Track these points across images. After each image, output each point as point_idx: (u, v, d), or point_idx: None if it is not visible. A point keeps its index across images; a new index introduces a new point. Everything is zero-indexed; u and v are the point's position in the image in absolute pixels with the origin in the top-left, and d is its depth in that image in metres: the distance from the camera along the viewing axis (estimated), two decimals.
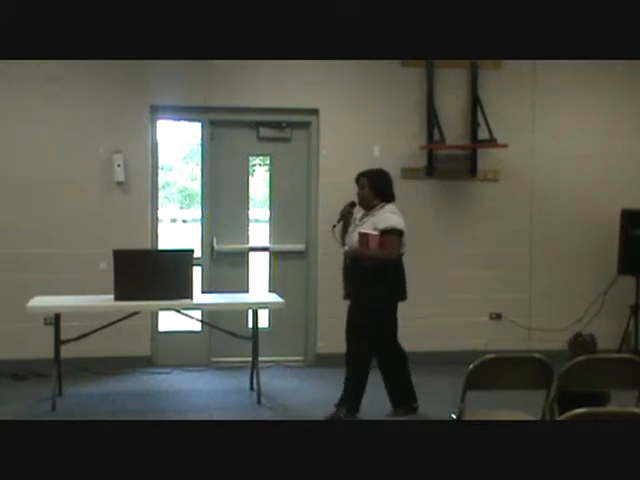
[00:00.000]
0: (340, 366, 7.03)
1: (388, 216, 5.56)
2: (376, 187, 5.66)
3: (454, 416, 4.11)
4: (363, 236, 5.51)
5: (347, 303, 7.22)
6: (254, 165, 7.58)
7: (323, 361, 7.20)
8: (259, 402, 6.01)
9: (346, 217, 5.73)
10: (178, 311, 6.10)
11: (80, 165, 6.92)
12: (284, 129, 7.35)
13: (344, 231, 5.73)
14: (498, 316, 7.53)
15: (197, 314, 6.84)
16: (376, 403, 5.82)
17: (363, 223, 5.59)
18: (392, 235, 5.49)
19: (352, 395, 5.59)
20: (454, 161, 7.43)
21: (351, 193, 7.24)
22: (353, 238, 5.58)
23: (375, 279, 5.49)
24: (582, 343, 4.33)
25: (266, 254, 7.48)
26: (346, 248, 5.65)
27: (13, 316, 6.58)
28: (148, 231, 7.10)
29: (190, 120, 7.51)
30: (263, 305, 6.37)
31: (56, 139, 6.88)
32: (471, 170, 7.44)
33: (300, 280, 7.41)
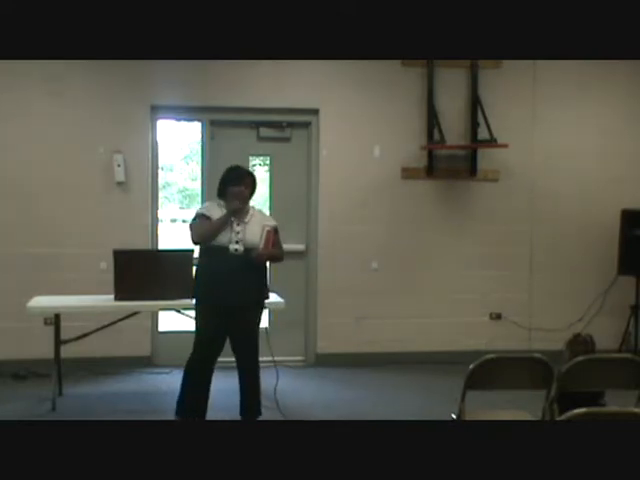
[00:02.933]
0: (340, 366, 7.06)
1: (268, 216, 5.51)
2: (254, 187, 5.39)
3: (454, 416, 4.12)
4: (269, 235, 5.18)
5: (351, 303, 7.28)
6: (254, 165, 7.57)
7: (323, 361, 7.21)
8: None
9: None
10: (178, 311, 6.10)
11: (80, 165, 6.92)
12: (284, 129, 7.35)
13: (219, 230, 5.14)
14: (498, 316, 7.53)
15: None
16: (379, 403, 5.83)
17: (251, 222, 5.22)
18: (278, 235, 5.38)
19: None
20: (454, 161, 7.44)
21: (351, 193, 7.28)
22: (249, 237, 5.15)
23: (264, 279, 5.39)
24: (582, 343, 4.33)
25: None
26: (239, 248, 5.12)
27: (13, 316, 6.59)
28: (148, 231, 7.10)
29: (190, 120, 7.52)
30: None
31: (56, 139, 6.88)
32: (471, 170, 7.44)
33: (300, 280, 7.41)
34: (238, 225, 5.17)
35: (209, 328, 5.21)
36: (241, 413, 5.37)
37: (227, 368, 7.05)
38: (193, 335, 7.13)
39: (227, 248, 5.11)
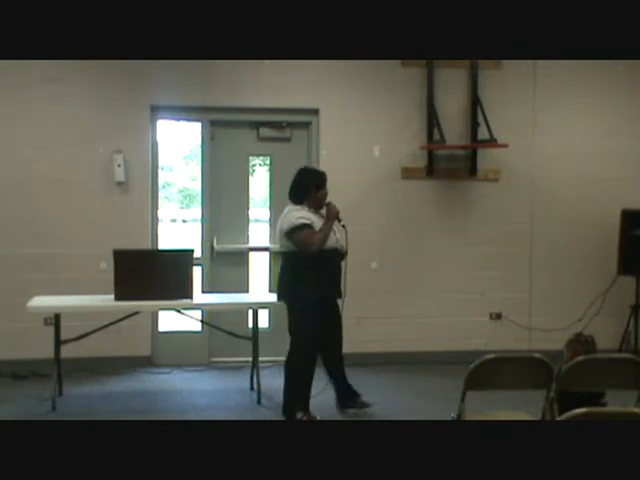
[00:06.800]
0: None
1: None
2: None
3: (454, 416, 4.11)
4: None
5: (351, 303, 7.24)
6: (254, 165, 7.58)
7: None
8: (259, 402, 6.02)
9: None
10: (178, 311, 6.11)
11: (80, 165, 6.92)
12: (284, 129, 7.35)
13: (329, 235, 5.51)
14: (498, 316, 7.53)
15: (197, 314, 6.84)
16: (379, 403, 5.83)
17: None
18: None
19: None
20: (454, 161, 7.44)
21: (351, 193, 7.28)
22: (340, 236, 5.59)
23: None
24: (583, 343, 4.32)
25: (266, 254, 7.48)
26: (342, 247, 5.61)
27: (13, 316, 6.59)
28: (148, 231, 7.10)
29: (190, 120, 7.51)
30: (263, 305, 6.37)
31: (56, 139, 6.88)
32: (471, 170, 7.44)
33: None
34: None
35: (333, 320, 5.69)
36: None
37: (228, 368, 7.07)
38: (197, 335, 7.24)
39: (337, 249, 5.55)
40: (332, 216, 5.48)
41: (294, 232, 5.38)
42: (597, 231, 7.56)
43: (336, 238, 5.55)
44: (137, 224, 7.04)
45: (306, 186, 5.52)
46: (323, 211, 5.57)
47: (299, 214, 5.45)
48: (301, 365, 5.59)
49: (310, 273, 5.41)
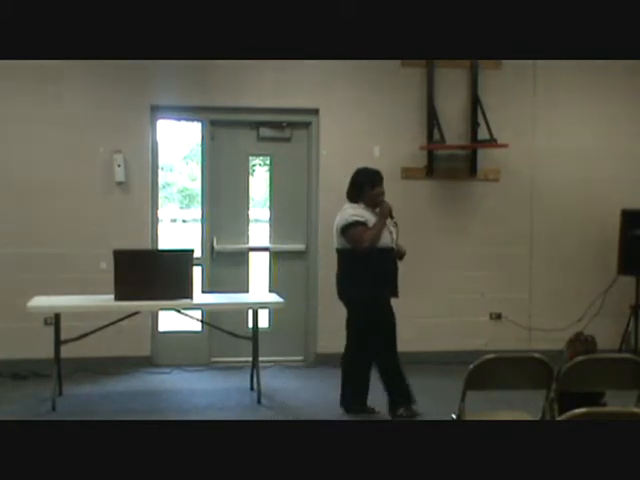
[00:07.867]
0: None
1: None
2: None
3: (454, 416, 4.12)
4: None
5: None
6: (254, 165, 7.57)
7: (323, 361, 7.20)
8: (259, 402, 6.01)
9: None
10: (178, 311, 6.11)
11: (80, 165, 6.92)
12: (284, 129, 7.35)
13: (382, 232, 5.55)
14: (498, 316, 7.53)
15: (197, 314, 6.84)
16: (379, 403, 5.83)
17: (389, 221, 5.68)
18: None
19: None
20: (454, 161, 7.43)
21: None
22: (394, 236, 5.63)
23: None
24: (583, 342, 4.32)
25: (266, 254, 7.48)
26: (393, 245, 5.62)
27: (13, 316, 6.58)
28: (148, 231, 7.10)
29: (190, 120, 7.51)
30: (263, 305, 6.37)
31: (56, 139, 6.88)
32: (471, 170, 7.44)
33: (300, 280, 7.41)
34: (388, 225, 5.58)
35: (391, 319, 5.66)
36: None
37: (228, 368, 7.07)
38: (197, 335, 7.24)
39: (392, 248, 5.58)
40: (384, 213, 5.55)
41: (347, 229, 5.49)
42: (597, 231, 7.56)
43: (392, 238, 5.59)
44: (137, 224, 7.04)
45: (361, 185, 5.62)
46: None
47: (354, 212, 5.55)
48: (355, 364, 5.64)
49: (365, 271, 5.49)
